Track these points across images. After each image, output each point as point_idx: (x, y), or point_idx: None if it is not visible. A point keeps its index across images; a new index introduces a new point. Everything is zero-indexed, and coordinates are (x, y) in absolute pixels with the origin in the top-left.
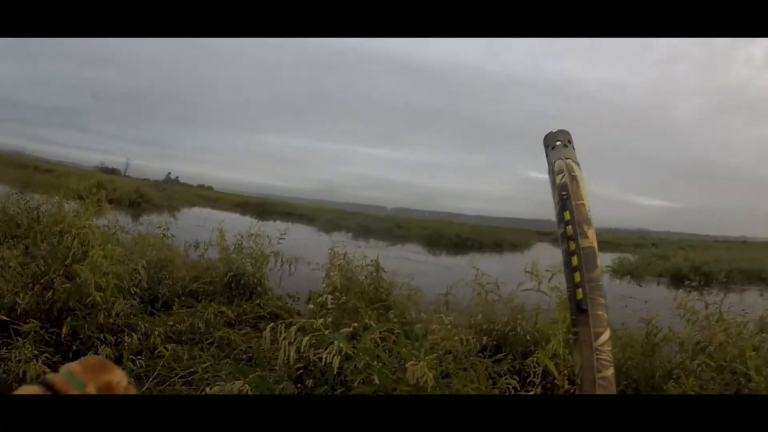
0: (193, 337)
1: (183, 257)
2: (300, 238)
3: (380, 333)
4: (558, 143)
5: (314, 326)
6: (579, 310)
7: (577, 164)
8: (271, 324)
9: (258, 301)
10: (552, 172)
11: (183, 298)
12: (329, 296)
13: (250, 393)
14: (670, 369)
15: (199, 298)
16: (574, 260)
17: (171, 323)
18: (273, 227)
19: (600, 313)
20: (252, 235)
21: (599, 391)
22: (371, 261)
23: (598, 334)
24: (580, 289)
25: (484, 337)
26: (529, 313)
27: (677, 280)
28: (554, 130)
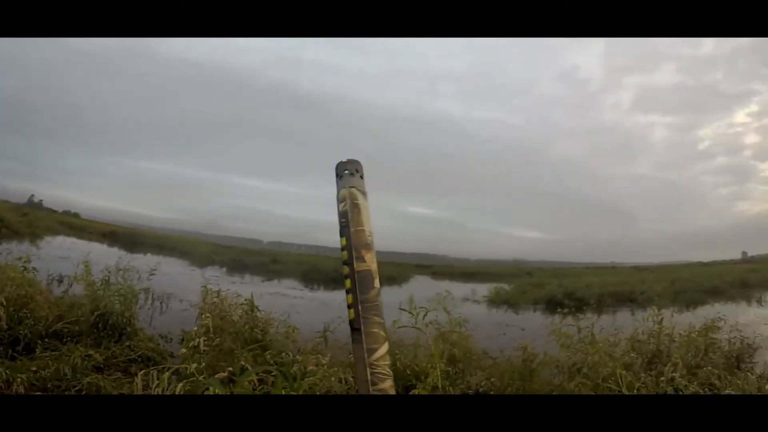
0: (59, 383)
1: (46, 293)
2: (172, 273)
3: (258, 375)
4: (346, 172)
5: (188, 371)
6: (352, 329)
7: (362, 193)
8: (143, 369)
9: (128, 343)
10: (337, 200)
11: (46, 339)
12: (202, 339)
13: None
14: (549, 391)
15: (64, 339)
16: (348, 283)
17: (34, 368)
18: (143, 261)
19: (375, 330)
20: (120, 270)
21: None
22: (245, 299)
23: (373, 351)
24: (351, 310)
25: None
26: (407, 348)
27: (552, 306)
28: (345, 160)
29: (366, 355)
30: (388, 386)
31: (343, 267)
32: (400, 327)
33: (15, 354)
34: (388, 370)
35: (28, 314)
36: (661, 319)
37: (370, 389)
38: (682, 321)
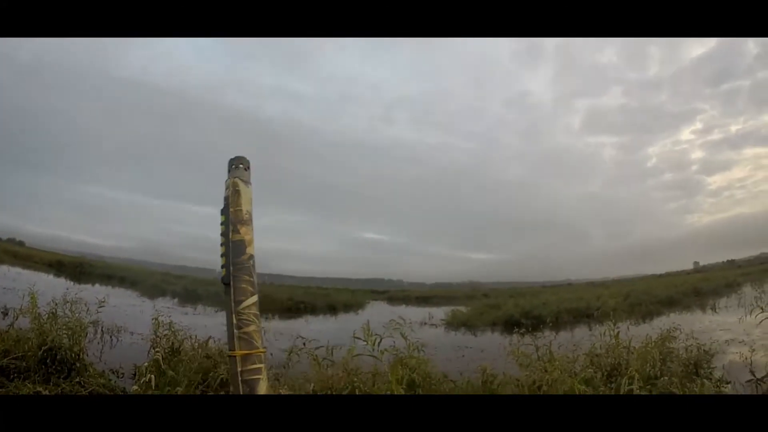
0: None
1: None
2: (121, 305)
3: None
4: (233, 166)
5: None
6: (224, 283)
7: (244, 182)
8: None
9: (78, 379)
10: (225, 186)
11: None
12: (153, 376)
13: None
14: None
15: (11, 376)
16: (222, 249)
17: None
18: (91, 291)
19: (244, 286)
20: (68, 302)
21: (241, 345)
22: (197, 334)
23: (240, 302)
24: (224, 269)
25: None
26: (365, 376)
27: (510, 326)
28: (234, 155)
29: (234, 305)
30: (251, 330)
31: (221, 237)
32: (355, 355)
33: None
34: (254, 318)
35: None
36: (618, 332)
37: (236, 332)
38: (639, 333)
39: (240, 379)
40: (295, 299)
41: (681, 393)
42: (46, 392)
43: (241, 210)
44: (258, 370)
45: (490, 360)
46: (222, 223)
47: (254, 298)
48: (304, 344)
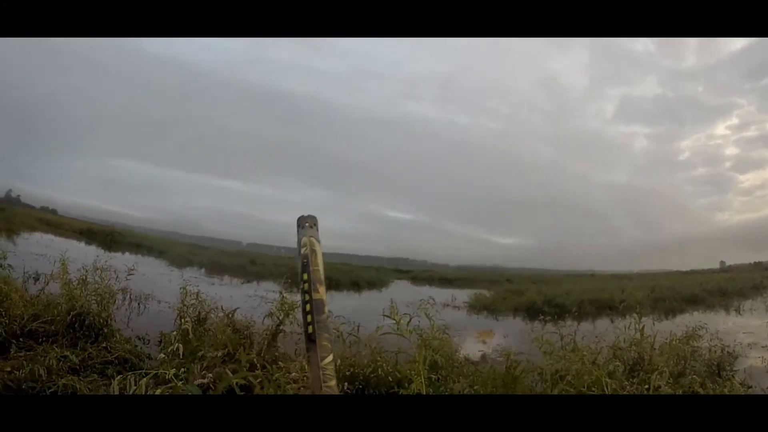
0: (34, 385)
1: (21, 291)
2: (149, 273)
3: (239, 383)
4: (306, 224)
5: (167, 376)
6: (309, 340)
7: (318, 241)
8: (120, 373)
9: (105, 344)
10: (299, 245)
11: (21, 339)
12: (180, 345)
13: None
14: None
15: (40, 339)
16: (308, 307)
17: (8, 369)
18: (121, 259)
19: (325, 343)
20: (98, 269)
21: None
22: (223, 305)
23: (324, 358)
24: (310, 326)
25: (345, 383)
26: (389, 354)
27: (532, 313)
28: (305, 214)
29: (319, 360)
30: (333, 384)
31: (305, 295)
32: (383, 333)
33: None
34: (333, 372)
35: (3, 312)
36: (643, 327)
37: (321, 386)
38: (663, 329)
39: None
40: None
41: (704, 393)
42: (73, 356)
43: (318, 270)
44: None
45: (513, 346)
46: (305, 281)
47: (332, 356)
48: (328, 318)
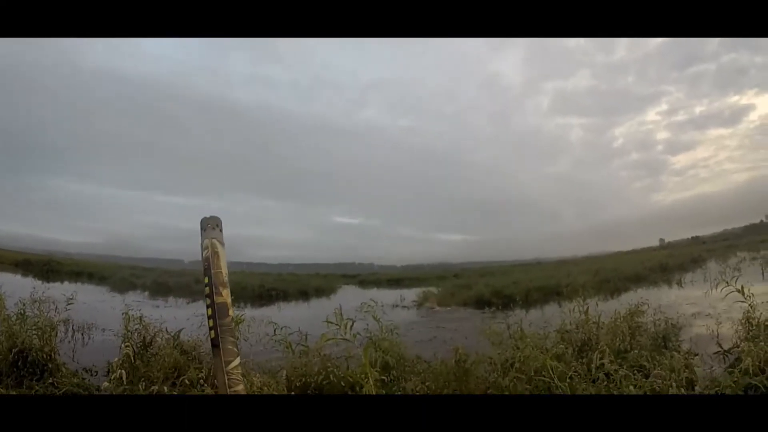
0: None
1: None
2: (91, 301)
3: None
4: (209, 226)
5: None
6: (213, 345)
7: (221, 243)
8: None
9: (51, 380)
10: (202, 248)
11: None
12: (122, 371)
13: None
14: (485, 389)
15: None
16: (209, 311)
17: None
18: (60, 289)
19: (230, 347)
20: (36, 301)
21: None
22: (168, 327)
23: (229, 362)
24: (212, 331)
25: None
26: (338, 361)
27: (481, 305)
28: (208, 216)
29: (224, 365)
30: (240, 389)
31: (206, 299)
32: (328, 340)
33: None
34: (240, 377)
35: None
36: (587, 308)
37: (228, 391)
38: (608, 308)
39: None
40: (267, 286)
41: (650, 366)
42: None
43: (221, 272)
44: None
45: (462, 340)
46: (206, 285)
47: (238, 359)
48: (275, 331)
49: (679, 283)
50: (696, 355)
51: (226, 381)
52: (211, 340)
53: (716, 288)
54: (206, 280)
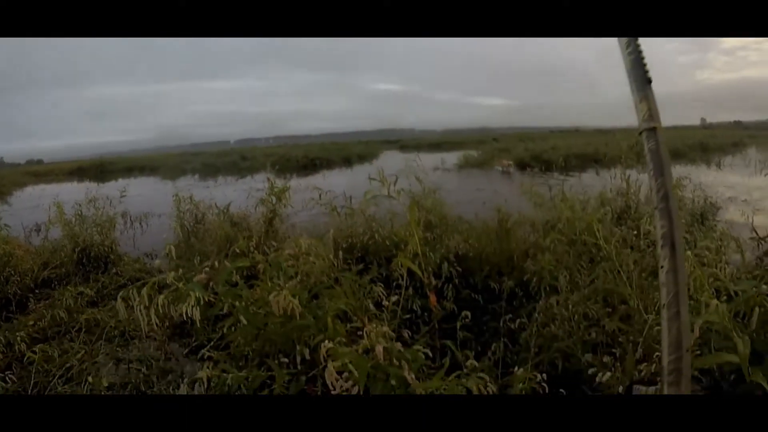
0: (59, 329)
1: (25, 246)
2: (145, 192)
3: (245, 272)
4: None
5: (167, 281)
6: None
7: None
8: (121, 291)
9: (114, 270)
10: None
11: (37, 290)
12: (172, 247)
13: None
14: (526, 249)
15: (54, 285)
16: None
17: (31, 323)
18: (115, 187)
19: None
20: (90, 200)
21: None
22: (218, 203)
23: None
24: None
25: (340, 252)
26: (383, 220)
27: (521, 168)
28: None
29: None
30: None
31: None
32: (373, 196)
33: (10, 315)
34: None
35: (13, 272)
36: (628, 177)
37: None
38: (647, 180)
39: None
40: (311, 156)
41: (692, 239)
42: (88, 290)
43: None
44: None
45: (503, 201)
46: None
47: None
48: (320, 196)
49: (718, 165)
50: (734, 238)
51: None
52: None
53: (756, 174)
54: None
